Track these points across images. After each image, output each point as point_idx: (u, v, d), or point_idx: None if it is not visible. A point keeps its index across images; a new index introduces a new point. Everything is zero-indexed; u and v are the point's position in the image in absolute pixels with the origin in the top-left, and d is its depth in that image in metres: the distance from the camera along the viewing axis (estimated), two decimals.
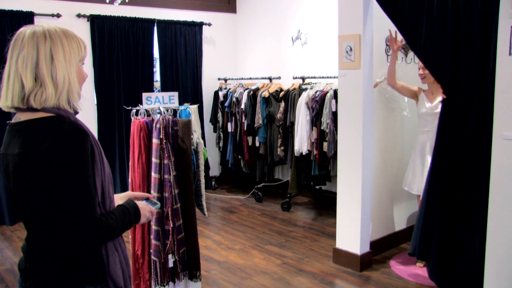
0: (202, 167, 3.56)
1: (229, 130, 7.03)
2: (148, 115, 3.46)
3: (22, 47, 1.63)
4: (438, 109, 3.93)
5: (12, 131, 1.69)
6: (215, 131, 7.53)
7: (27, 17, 5.85)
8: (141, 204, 1.90)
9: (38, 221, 1.67)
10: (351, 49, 4.19)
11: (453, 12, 3.38)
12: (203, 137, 7.50)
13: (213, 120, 7.50)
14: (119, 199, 1.97)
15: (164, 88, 7.11)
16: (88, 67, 6.46)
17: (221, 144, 7.37)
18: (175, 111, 3.50)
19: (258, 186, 6.92)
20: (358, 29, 4.13)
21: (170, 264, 3.35)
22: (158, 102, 3.45)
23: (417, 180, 4.42)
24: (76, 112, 1.75)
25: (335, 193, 4.63)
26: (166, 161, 3.24)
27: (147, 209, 1.91)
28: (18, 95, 1.62)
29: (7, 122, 1.73)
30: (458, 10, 3.36)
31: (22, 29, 1.67)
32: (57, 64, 1.64)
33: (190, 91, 7.43)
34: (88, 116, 6.51)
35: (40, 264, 1.69)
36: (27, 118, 1.65)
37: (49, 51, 1.63)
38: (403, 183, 4.61)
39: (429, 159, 4.15)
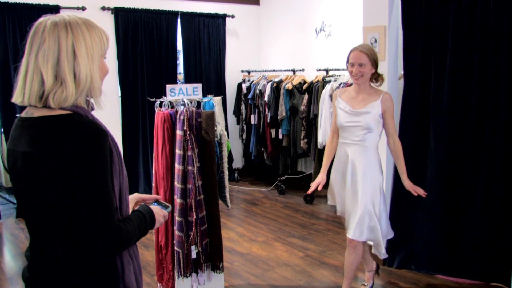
0: (225, 159, 3.57)
1: (252, 122, 7.04)
2: (172, 107, 3.47)
3: (43, 40, 1.49)
4: (365, 116, 3.35)
5: (23, 126, 1.53)
6: (238, 123, 7.54)
7: (53, 11, 5.91)
8: (154, 209, 1.79)
9: (46, 227, 1.53)
10: (376, 41, 4.14)
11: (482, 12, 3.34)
12: (226, 129, 7.52)
13: (236, 112, 7.51)
14: None
15: (187, 80, 7.13)
16: (112, 60, 6.52)
17: (244, 136, 7.37)
18: (198, 102, 3.52)
19: (281, 178, 6.91)
20: (383, 20, 4.09)
21: (193, 255, 3.37)
22: (182, 94, 3.46)
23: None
24: (92, 109, 1.64)
25: None
26: (189, 153, 3.26)
27: (161, 214, 1.80)
28: (37, 93, 1.49)
29: (16, 115, 1.62)
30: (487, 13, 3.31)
31: (42, 19, 1.54)
32: (80, 60, 1.51)
33: (214, 83, 7.45)
34: (112, 108, 6.59)
35: (45, 274, 1.56)
36: (41, 115, 1.51)
37: (71, 47, 1.50)
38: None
39: (349, 180, 3.45)
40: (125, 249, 1.61)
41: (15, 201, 6.08)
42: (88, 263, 1.53)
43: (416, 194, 3.53)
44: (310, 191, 3.63)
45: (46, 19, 1.53)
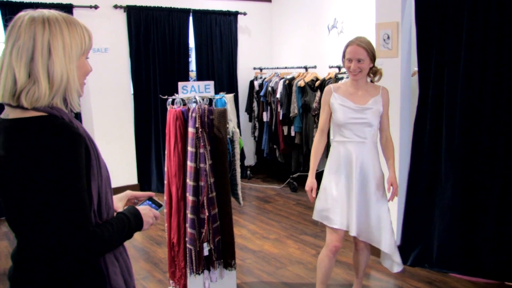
0: (237, 156, 3.57)
1: (265, 119, 7.03)
2: (184, 104, 3.48)
3: (18, 36, 1.44)
4: (369, 112, 3.18)
5: None
6: (250, 120, 7.54)
7: (66, 10, 5.90)
8: (143, 209, 1.70)
9: (26, 230, 1.49)
10: (388, 37, 4.12)
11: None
12: (238, 126, 7.51)
13: (249, 109, 7.50)
14: (118, 200, 1.78)
15: (199, 78, 7.14)
16: (124, 58, 6.56)
17: (256, 134, 7.37)
18: (211, 100, 3.52)
19: (293, 175, 6.90)
20: (396, 16, 4.05)
21: (205, 253, 3.37)
22: (194, 91, 3.47)
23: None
24: (72, 112, 1.55)
25: None
26: (202, 150, 3.26)
27: (150, 215, 1.71)
28: (10, 91, 1.44)
29: None
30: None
31: (20, 14, 1.48)
32: (55, 59, 1.44)
33: (226, 80, 7.45)
34: (125, 105, 6.62)
35: (28, 277, 1.52)
36: (15, 116, 1.45)
37: (47, 43, 1.44)
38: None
39: (357, 184, 3.21)
40: (103, 254, 1.55)
41: None
42: (69, 266, 1.49)
43: (388, 191, 3.31)
44: (312, 200, 3.40)
45: (24, 14, 1.48)
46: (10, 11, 5.61)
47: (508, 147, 3.69)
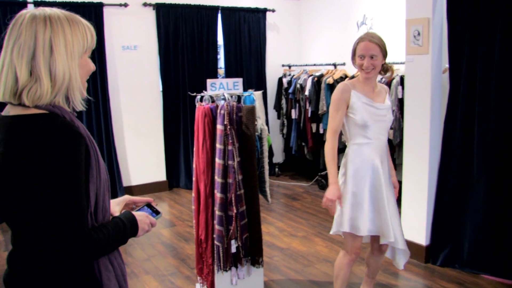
0: (266, 154, 3.56)
1: (293, 117, 7.01)
2: (213, 101, 3.48)
3: (19, 34, 1.42)
4: (388, 110, 3.11)
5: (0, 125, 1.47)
6: (279, 117, 7.52)
7: (97, 8, 6.01)
8: (139, 216, 1.65)
9: (22, 231, 1.48)
10: (419, 34, 4.05)
11: None
12: (267, 123, 7.50)
13: (277, 106, 7.49)
14: (115, 204, 1.75)
15: (228, 75, 7.15)
16: (153, 55, 6.60)
17: (284, 131, 7.35)
18: (239, 97, 3.51)
19: (322, 173, 6.86)
20: (427, 12, 3.99)
21: (233, 250, 3.38)
22: (222, 88, 3.47)
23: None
24: (75, 111, 1.54)
25: (400, 182, 4.51)
26: (230, 147, 3.26)
27: (146, 222, 1.66)
28: (11, 90, 1.42)
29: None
30: None
31: (22, 12, 1.47)
32: (57, 56, 1.42)
33: (254, 77, 7.44)
34: (154, 102, 6.68)
35: (23, 279, 1.50)
36: (16, 113, 1.44)
37: (48, 41, 1.42)
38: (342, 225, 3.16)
39: (385, 187, 3.05)
40: (98, 258, 1.53)
41: None
42: (62, 269, 1.47)
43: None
44: (334, 212, 3.17)
45: (25, 12, 1.46)
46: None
47: None
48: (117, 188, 6.39)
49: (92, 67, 1.58)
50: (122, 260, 1.68)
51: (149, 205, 1.78)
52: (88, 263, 1.52)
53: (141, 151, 6.67)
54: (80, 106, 1.52)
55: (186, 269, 4.30)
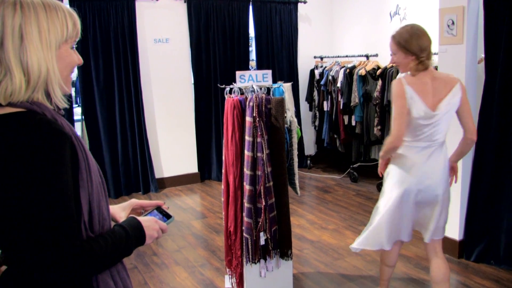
0: (295, 146, 3.53)
1: (325, 108, 6.95)
2: (242, 93, 3.47)
3: None
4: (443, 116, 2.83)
5: None
6: (311, 109, 7.47)
7: (129, 2, 6.06)
8: (147, 221, 1.47)
9: (6, 245, 1.28)
10: (453, 23, 3.94)
11: None
12: (298, 115, 7.48)
13: (309, 98, 7.44)
14: (121, 209, 1.60)
15: (260, 67, 7.13)
16: (185, 48, 6.63)
17: (316, 123, 7.30)
18: (268, 89, 3.49)
19: (354, 166, 6.79)
20: (461, 0, 3.88)
21: (262, 242, 3.37)
22: (251, 80, 3.45)
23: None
24: (60, 110, 1.35)
25: None
26: (259, 139, 3.24)
27: (154, 228, 1.48)
28: None
29: None
30: None
31: None
32: (28, 46, 1.24)
33: (286, 69, 7.40)
34: (185, 95, 6.72)
35: None
36: None
37: (18, 28, 1.23)
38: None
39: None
40: (94, 273, 1.33)
41: None
42: (54, 283, 1.27)
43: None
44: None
45: None
46: (78, 6, 5.79)
47: None
48: (149, 180, 6.46)
49: (76, 60, 1.38)
50: (127, 274, 1.50)
51: (159, 209, 1.63)
52: (84, 280, 1.32)
53: (173, 143, 6.72)
54: (61, 103, 1.32)
55: (216, 260, 4.32)
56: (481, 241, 4.08)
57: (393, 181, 3.00)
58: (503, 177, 3.93)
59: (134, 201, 1.67)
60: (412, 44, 2.78)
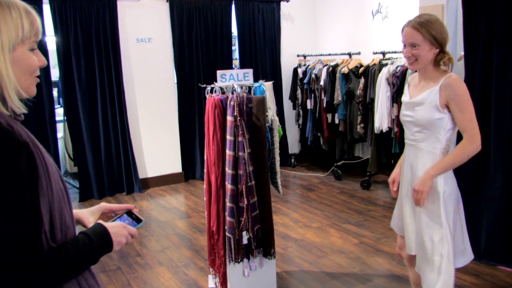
0: (276, 144, 3.53)
1: (309, 107, 6.97)
2: (223, 93, 3.47)
3: None
4: (419, 109, 2.56)
5: None
6: (294, 108, 7.48)
7: (110, 1, 6.02)
8: (114, 227, 1.42)
9: None
10: None
11: None
12: (282, 114, 7.49)
13: (292, 97, 7.45)
14: (89, 214, 1.54)
15: (243, 66, 7.13)
16: (168, 47, 6.61)
17: (300, 122, 7.32)
18: (250, 88, 3.49)
19: (338, 163, 6.82)
20: None
21: (245, 241, 3.37)
22: (232, 79, 3.45)
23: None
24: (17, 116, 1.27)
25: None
26: (240, 139, 3.24)
27: (122, 234, 1.42)
28: None
29: None
30: None
31: None
32: None
33: (269, 68, 7.41)
34: (169, 95, 6.70)
35: None
36: None
37: None
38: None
39: (404, 194, 2.77)
40: (57, 284, 1.27)
41: (78, 185, 6.31)
42: None
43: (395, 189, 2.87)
44: (394, 194, 2.93)
45: None
46: (59, 6, 5.74)
47: None
48: (133, 180, 6.43)
49: (35, 62, 1.29)
50: (96, 282, 1.44)
51: (129, 213, 1.58)
52: None
53: (156, 143, 6.70)
54: (18, 108, 1.25)
55: (200, 260, 4.31)
56: None
57: (454, 203, 2.64)
58: (483, 174, 3.97)
59: (103, 205, 1.60)
60: (442, 34, 2.49)
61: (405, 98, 2.70)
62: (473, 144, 2.53)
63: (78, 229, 1.47)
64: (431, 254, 2.57)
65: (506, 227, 3.84)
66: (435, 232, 2.56)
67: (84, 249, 1.29)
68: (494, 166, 3.86)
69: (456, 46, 4.02)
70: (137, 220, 1.57)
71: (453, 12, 3.95)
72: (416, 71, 2.70)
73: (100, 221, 1.45)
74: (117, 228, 1.42)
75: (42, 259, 1.18)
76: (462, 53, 4.09)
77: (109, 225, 1.42)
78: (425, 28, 2.45)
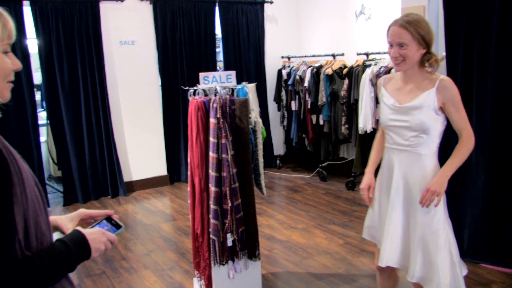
0: (260, 146, 3.53)
1: (293, 108, 6.98)
2: (206, 95, 3.46)
3: None
4: (416, 113, 2.49)
5: None
6: (279, 109, 7.49)
7: (93, 4, 5.99)
8: (92, 234, 1.38)
9: None
10: None
11: None
12: (267, 116, 7.50)
13: (277, 98, 7.46)
14: (68, 220, 1.50)
15: (227, 68, 7.13)
16: (152, 50, 6.59)
17: (285, 123, 7.33)
18: (233, 90, 3.49)
19: (323, 164, 6.84)
20: (422, 0, 3.94)
21: (229, 243, 3.36)
22: (215, 81, 3.44)
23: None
24: None
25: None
26: (223, 141, 3.24)
27: (101, 240, 1.39)
28: None
29: None
30: None
31: None
32: None
33: (254, 70, 7.41)
34: (153, 97, 6.69)
35: None
36: None
37: None
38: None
39: (395, 204, 2.61)
40: None
41: (62, 189, 6.26)
42: None
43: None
44: (368, 202, 2.83)
45: None
46: (40, 8, 5.70)
47: None
48: (118, 183, 6.40)
49: (10, 65, 1.24)
50: None
51: (108, 219, 1.56)
52: None
53: (141, 146, 6.67)
54: None
55: (185, 263, 4.30)
56: None
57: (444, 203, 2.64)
58: (465, 173, 4.00)
59: (82, 211, 1.57)
60: (429, 34, 2.44)
61: (389, 102, 2.60)
62: (472, 139, 2.54)
63: (57, 236, 1.44)
64: (436, 257, 2.49)
65: (488, 225, 3.88)
66: (439, 235, 2.50)
67: (60, 256, 1.26)
68: (476, 165, 3.90)
69: (437, 47, 4.05)
70: (117, 226, 1.54)
71: (435, 13, 3.99)
72: (389, 73, 2.68)
73: (78, 228, 1.41)
74: (96, 235, 1.39)
75: (16, 268, 1.14)
76: (444, 53, 4.13)
77: (87, 231, 1.38)
78: (414, 27, 2.40)
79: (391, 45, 2.49)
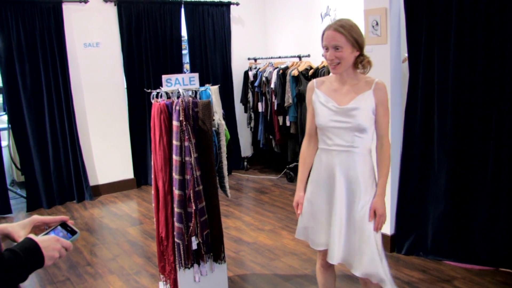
0: (224, 148, 3.53)
1: (260, 110, 6.99)
2: (169, 98, 3.43)
3: None
4: (356, 114, 2.56)
5: None
6: (246, 111, 7.49)
7: (55, 5, 5.89)
8: (45, 241, 1.35)
9: None
10: (377, 24, 4.05)
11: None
12: (234, 118, 7.49)
13: (244, 100, 7.45)
14: (20, 228, 1.46)
15: (193, 70, 7.09)
16: (116, 52, 6.51)
17: (252, 125, 7.32)
18: (196, 92, 3.47)
19: (290, 166, 6.85)
20: (384, 2, 3.98)
21: (194, 246, 3.34)
22: (178, 84, 3.42)
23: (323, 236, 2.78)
24: None
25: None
26: (186, 143, 3.22)
27: (55, 247, 1.36)
28: None
29: None
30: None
31: None
32: None
33: (220, 71, 7.39)
34: (118, 100, 6.61)
35: None
36: None
37: None
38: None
39: (339, 201, 2.64)
40: None
41: (25, 195, 6.13)
42: None
43: (371, 219, 2.62)
44: (298, 216, 2.90)
45: None
46: (0, 9, 5.58)
47: (500, 131, 3.63)
48: (83, 188, 6.30)
49: None
50: None
51: (63, 225, 1.52)
52: None
53: (107, 149, 6.58)
54: None
55: (151, 267, 4.25)
56: (411, 235, 4.21)
57: None
58: (429, 173, 4.07)
59: (35, 218, 1.52)
60: (361, 37, 2.55)
61: (328, 104, 2.64)
62: (389, 147, 2.69)
63: (8, 245, 1.38)
64: (376, 246, 2.65)
65: (450, 223, 3.95)
66: (371, 225, 2.62)
67: (10, 266, 1.22)
68: (438, 165, 3.96)
69: (400, 48, 4.10)
70: (72, 232, 1.50)
71: (396, 15, 4.03)
72: (319, 76, 2.71)
73: (31, 235, 1.37)
74: (49, 242, 1.35)
75: None
76: (406, 54, 4.19)
77: (40, 239, 1.35)
78: (347, 30, 2.49)
79: (326, 49, 2.56)
